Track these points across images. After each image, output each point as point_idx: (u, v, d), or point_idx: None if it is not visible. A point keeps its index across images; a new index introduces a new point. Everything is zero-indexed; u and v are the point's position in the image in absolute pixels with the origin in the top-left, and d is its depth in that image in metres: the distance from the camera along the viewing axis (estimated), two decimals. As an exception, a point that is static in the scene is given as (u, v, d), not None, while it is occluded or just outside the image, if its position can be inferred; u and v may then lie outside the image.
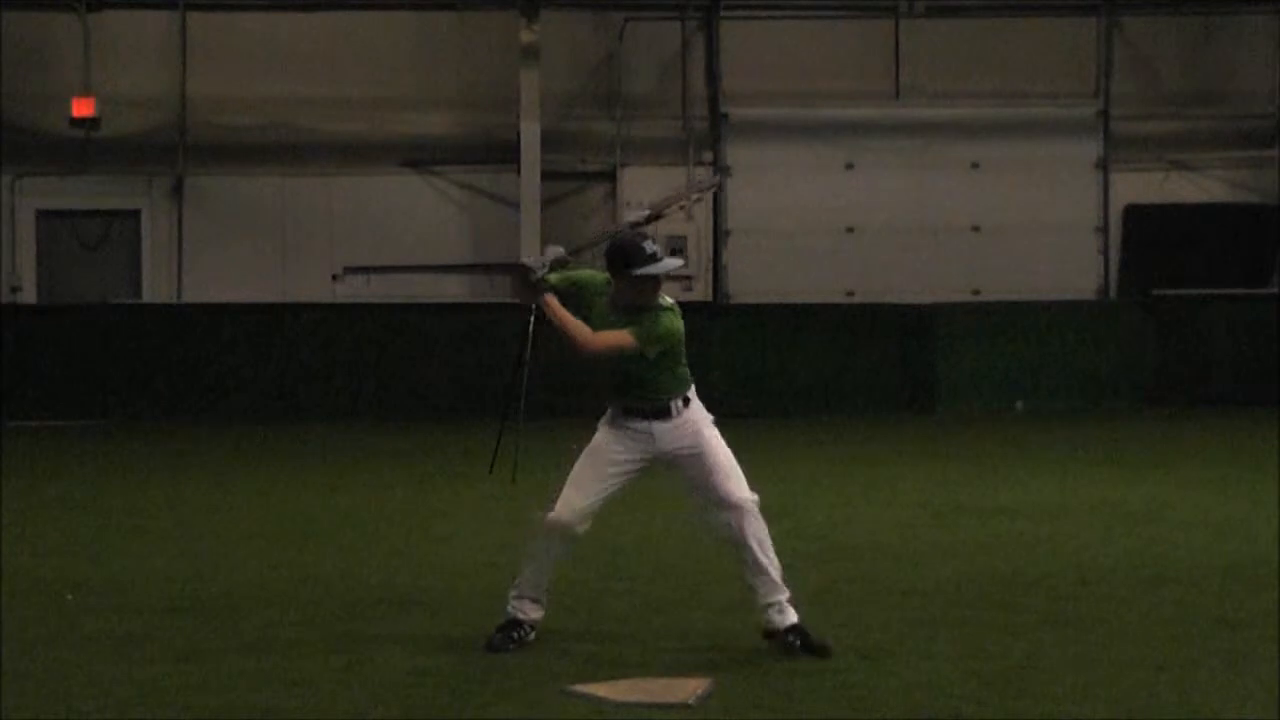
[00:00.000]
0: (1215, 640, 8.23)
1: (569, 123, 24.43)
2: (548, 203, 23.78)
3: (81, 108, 23.68)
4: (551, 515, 8.14)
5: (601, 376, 8.27)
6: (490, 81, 24.11)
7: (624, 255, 8.07)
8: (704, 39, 24.58)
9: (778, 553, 8.09)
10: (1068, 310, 23.24)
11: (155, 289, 24.03)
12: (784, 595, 7.97)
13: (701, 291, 23.67)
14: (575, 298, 8.29)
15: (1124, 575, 10.09)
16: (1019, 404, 22.43)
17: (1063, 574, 10.12)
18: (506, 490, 14.36)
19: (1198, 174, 24.98)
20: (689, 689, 7.24)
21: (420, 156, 24.37)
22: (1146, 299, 23.30)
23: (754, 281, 23.60)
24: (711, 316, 22.11)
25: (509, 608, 8.15)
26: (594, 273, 8.33)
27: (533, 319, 16.54)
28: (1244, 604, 9.12)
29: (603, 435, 8.40)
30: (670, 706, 7.04)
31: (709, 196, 24.07)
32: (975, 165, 24.56)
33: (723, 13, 24.45)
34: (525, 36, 23.33)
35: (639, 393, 8.16)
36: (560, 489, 8.27)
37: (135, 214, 24.21)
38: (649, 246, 8.08)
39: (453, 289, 24.26)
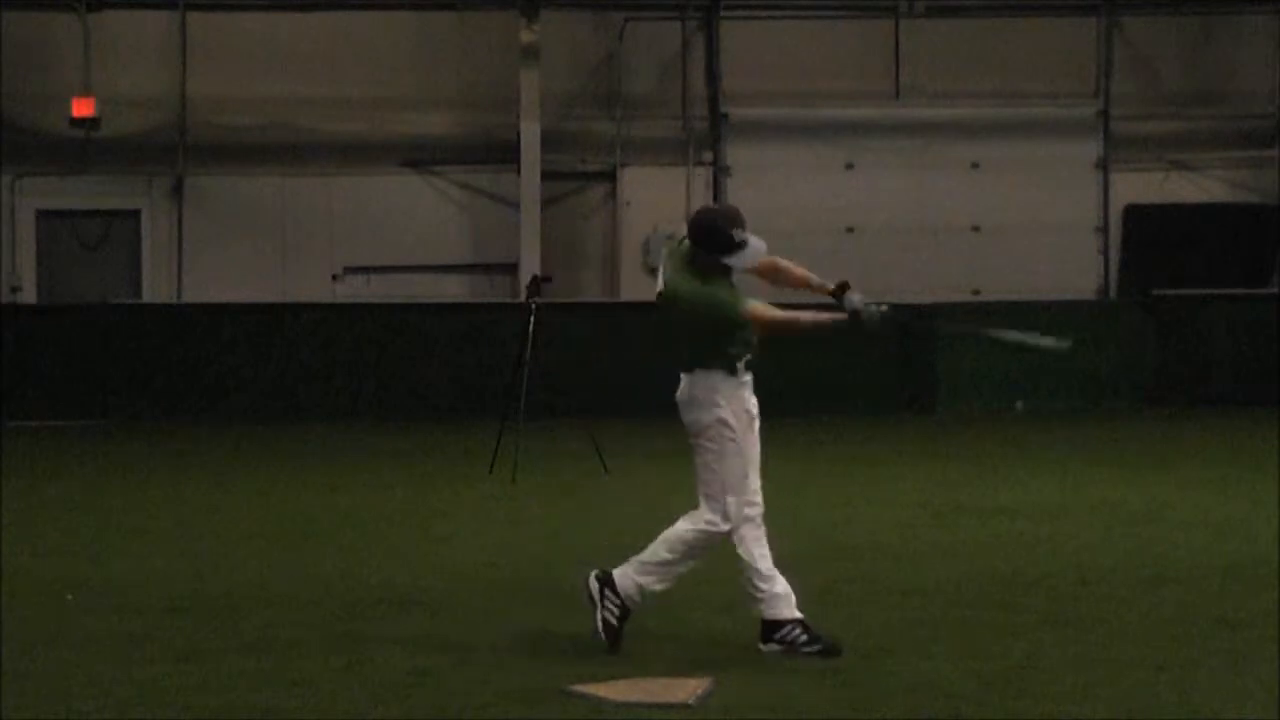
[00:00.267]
0: (1215, 640, 8.23)
1: (569, 123, 24.43)
2: (548, 203, 23.79)
3: (81, 108, 23.68)
4: (729, 527, 7.97)
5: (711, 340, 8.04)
6: (490, 81, 24.11)
7: (712, 239, 7.93)
8: (704, 39, 24.59)
9: (775, 553, 8.10)
10: (1068, 310, 23.22)
11: (155, 289, 24.03)
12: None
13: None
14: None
15: (1124, 575, 10.10)
16: (1019, 404, 22.43)
17: (1063, 574, 10.12)
18: (506, 490, 14.43)
19: (1198, 174, 24.98)
20: (689, 689, 7.24)
21: (420, 156, 24.37)
22: (1146, 299, 23.30)
23: (754, 281, 23.61)
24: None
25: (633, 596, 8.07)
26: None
27: (532, 319, 16.60)
28: (1244, 604, 9.12)
29: (735, 413, 7.99)
30: (670, 706, 7.04)
31: (708, 196, 24.10)
32: (975, 165, 24.56)
33: (723, 13, 24.45)
34: (525, 36, 23.33)
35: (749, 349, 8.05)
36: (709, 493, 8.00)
37: (135, 214, 24.21)
38: (739, 234, 7.95)
39: (453, 289, 24.28)
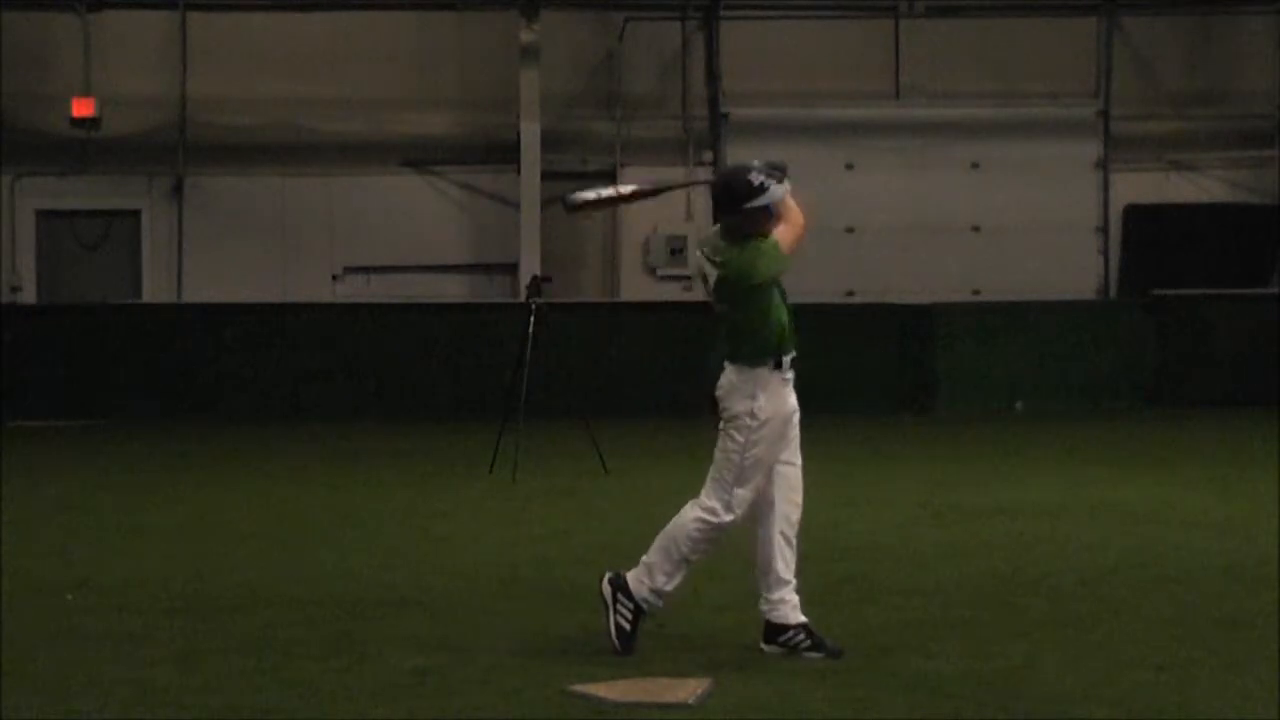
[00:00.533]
0: (1215, 640, 8.23)
1: (569, 123, 24.44)
2: (548, 203, 23.76)
3: (81, 108, 23.69)
4: (730, 519, 7.93)
5: (746, 332, 7.98)
6: (490, 81, 24.12)
7: (729, 195, 7.91)
8: (704, 39, 24.59)
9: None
10: (1068, 310, 23.24)
11: (155, 289, 24.04)
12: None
13: (701, 292, 23.64)
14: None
15: (1124, 575, 10.09)
16: (1019, 404, 22.43)
17: (1063, 574, 10.12)
18: (506, 490, 14.43)
19: (1198, 174, 24.99)
20: (689, 689, 7.24)
21: (420, 156, 24.38)
22: (1146, 299, 23.30)
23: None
24: (712, 317, 22.10)
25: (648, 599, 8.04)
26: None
27: (532, 319, 16.59)
28: (1244, 604, 9.12)
29: (772, 409, 7.93)
30: (670, 706, 7.04)
31: (709, 196, 24.06)
32: (975, 165, 24.56)
33: (723, 13, 24.45)
34: (525, 36, 23.33)
35: (792, 340, 8.01)
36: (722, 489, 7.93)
37: (135, 214, 24.22)
38: (755, 178, 7.91)
39: (453, 289, 24.28)
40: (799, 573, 8.08)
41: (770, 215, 7.93)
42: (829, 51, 24.62)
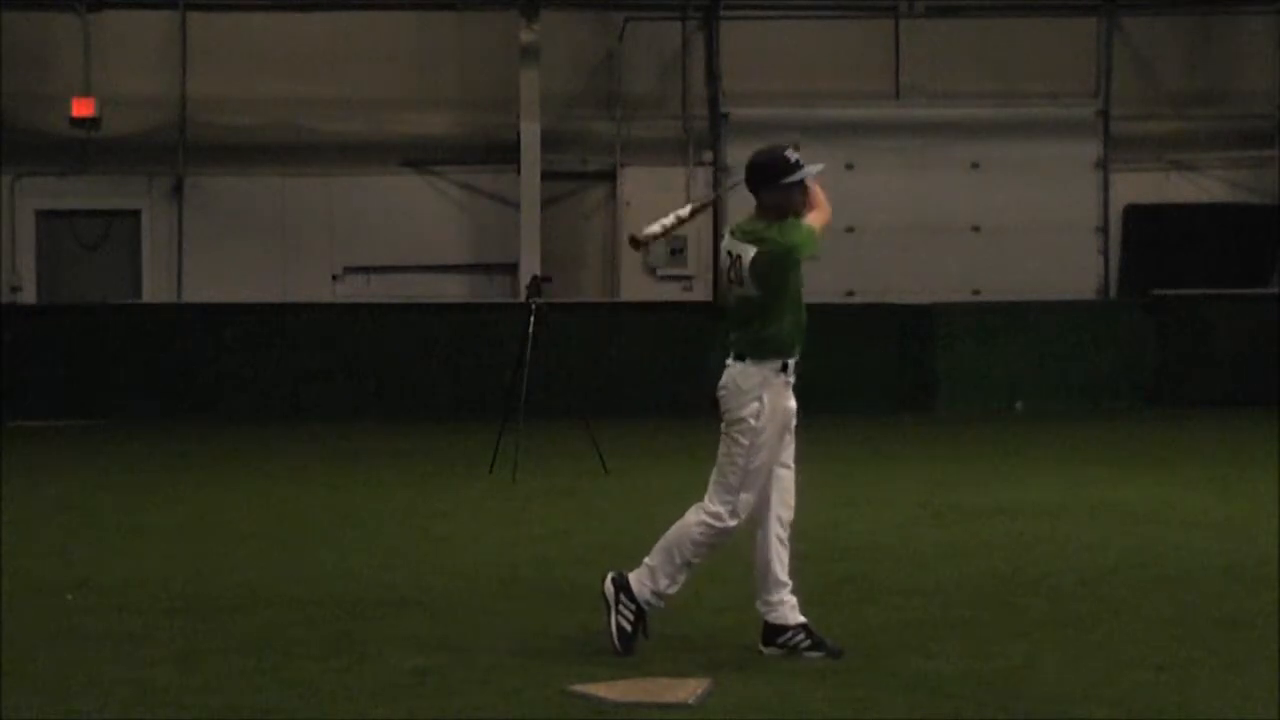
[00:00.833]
0: (1215, 640, 8.23)
1: (569, 123, 24.44)
2: (548, 203, 23.79)
3: (81, 108, 23.70)
4: (734, 524, 7.91)
5: (755, 329, 7.90)
6: (490, 81, 24.12)
7: (768, 169, 7.92)
8: (704, 39, 24.59)
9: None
10: (1068, 310, 23.25)
11: (155, 289, 24.04)
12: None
13: (701, 292, 23.68)
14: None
15: (1124, 575, 10.09)
16: (1019, 404, 22.43)
17: (1063, 574, 10.12)
18: (506, 490, 14.43)
19: (1198, 174, 24.99)
20: (689, 689, 7.24)
21: (420, 156, 24.39)
22: (1146, 299, 23.31)
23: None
24: (712, 317, 22.12)
25: (646, 602, 8.02)
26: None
27: (532, 319, 16.60)
28: (1244, 604, 9.12)
29: (774, 410, 7.91)
30: (670, 706, 7.04)
31: (709, 195, 24.08)
32: (975, 165, 24.56)
33: (723, 13, 24.46)
34: (525, 36, 23.33)
35: (802, 342, 8.02)
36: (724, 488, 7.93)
37: (135, 214, 24.22)
38: (791, 155, 7.95)
39: (453, 289, 24.29)
40: (795, 573, 8.08)
41: (805, 192, 7.98)
42: (829, 51, 24.62)
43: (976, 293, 23.87)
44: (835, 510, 12.83)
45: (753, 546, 8.04)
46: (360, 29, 24.34)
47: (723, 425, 8.00)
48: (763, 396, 7.89)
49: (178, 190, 24.09)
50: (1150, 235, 24.68)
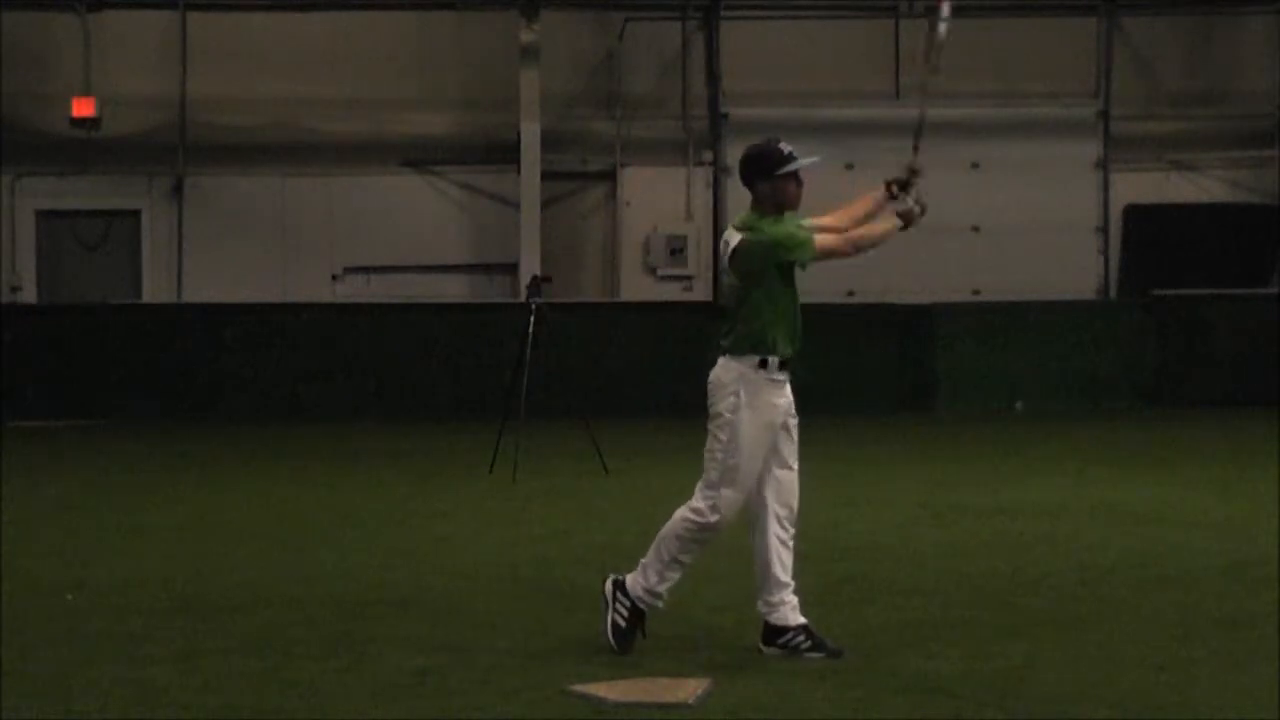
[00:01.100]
0: (1215, 640, 8.23)
1: (569, 123, 24.44)
2: (548, 203, 23.79)
3: (81, 108, 23.70)
4: (716, 519, 7.92)
5: (749, 325, 7.94)
6: (490, 81, 24.12)
7: (761, 161, 8.01)
8: (704, 39, 24.59)
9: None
10: (1068, 310, 23.25)
11: (155, 289, 24.04)
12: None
13: (701, 292, 23.68)
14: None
15: (1124, 575, 10.10)
16: (1019, 404, 22.43)
17: (1063, 574, 10.12)
18: (506, 490, 14.43)
19: (1198, 174, 24.99)
20: (689, 689, 7.24)
21: (420, 156, 24.39)
22: (1146, 299, 23.31)
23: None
24: (712, 317, 22.12)
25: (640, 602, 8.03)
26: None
27: (532, 319, 16.59)
28: (1244, 604, 9.12)
29: (754, 408, 7.90)
30: (670, 706, 7.04)
31: (709, 196, 24.09)
32: (975, 165, 24.55)
33: (723, 13, 24.45)
34: (525, 36, 23.33)
35: (795, 341, 8.02)
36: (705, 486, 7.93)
37: (135, 214, 24.23)
38: (785, 147, 8.03)
39: (453, 289, 24.29)
40: (795, 573, 8.08)
41: (799, 184, 8.05)
42: (829, 51, 24.61)
43: (976, 293, 23.86)
44: (835, 510, 12.84)
45: (753, 547, 8.04)
46: (360, 29, 24.34)
47: (709, 422, 8.02)
48: (739, 392, 7.90)
49: (178, 190, 24.09)
50: (1150, 235, 24.68)
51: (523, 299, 17.64)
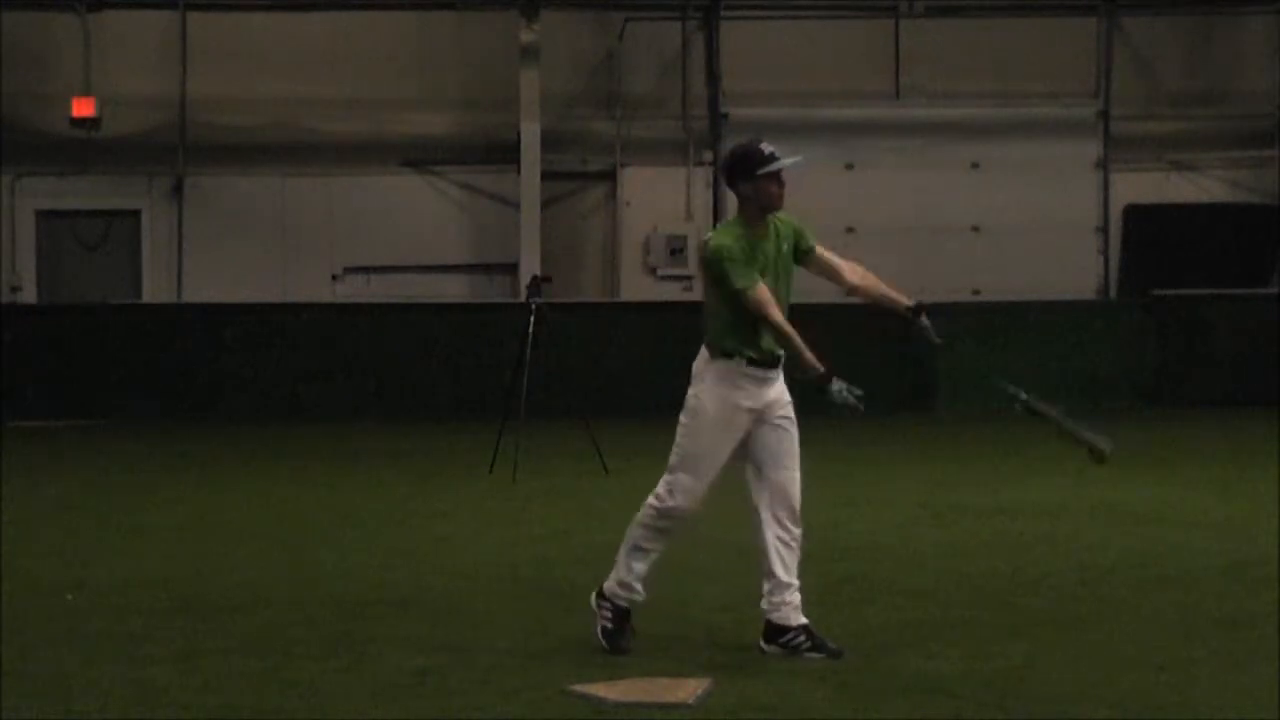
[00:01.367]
0: (1215, 640, 8.23)
1: (569, 123, 24.44)
2: (548, 203, 23.79)
3: (81, 108, 23.70)
4: (673, 504, 7.95)
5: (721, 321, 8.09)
6: (490, 81, 24.12)
7: (747, 161, 7.99)
8: (704, 39, 24.59)
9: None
10: (1068, 310, 23.24)
11: (155, 289, 24.05)
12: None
13: (701, 292, 23.62)
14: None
15: (1124, 575, 10.10)
16: (1019, 404, 22.39)
17: (1063, 574, 10.12)
18: (506, 490, 14.43)
19: (1198, 174, 24.99)
20: (689, 689, 7.24)
21: (420, 156, 24.39)
22: (1146, 299, 23.30)
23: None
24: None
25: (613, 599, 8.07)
26: (740, 243, 8.03)
27: (532, 319, 16.58)
28: (1244, 604, 9.12)
29: (715, 397, 7.98)
30: (670, 706, 7.04)
31: (709, 196, 24.10)
32: (975, 165, 24.56)
33: (723, 13, 24.46)
34: (525, 36, 23.33)
35: (746, 345, 8.06)
36: (669, 474, 7.98)
37: (135, 214, 24.23)
38: (766, 148, 8.01)
39: (453, 289, 24.29)
40: (799, 573, 8.07)
41: (781, 185, 8.00)
42: (829, 51, 24.61)
43: (976, 293, 23.86)
44: (835, 510, 12.84)
45: (756, 548, 8.07)
46: (360, 29, 24.34)
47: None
48: (706, 379, 8.00)
49: (178, 190, 24.10)
50: (1150, 235, 24.68)
51: (523, 299, 17.64)
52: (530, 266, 21.85)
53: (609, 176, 24.56)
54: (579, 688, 7.27)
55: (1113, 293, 24.66)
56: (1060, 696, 7.20)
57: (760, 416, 8.01)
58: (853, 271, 8.41)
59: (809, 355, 7.95)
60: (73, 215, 24.08)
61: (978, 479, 15.15)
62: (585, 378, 19.35)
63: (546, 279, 17.06)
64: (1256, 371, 22.33)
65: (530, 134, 23.34)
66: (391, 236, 24.15)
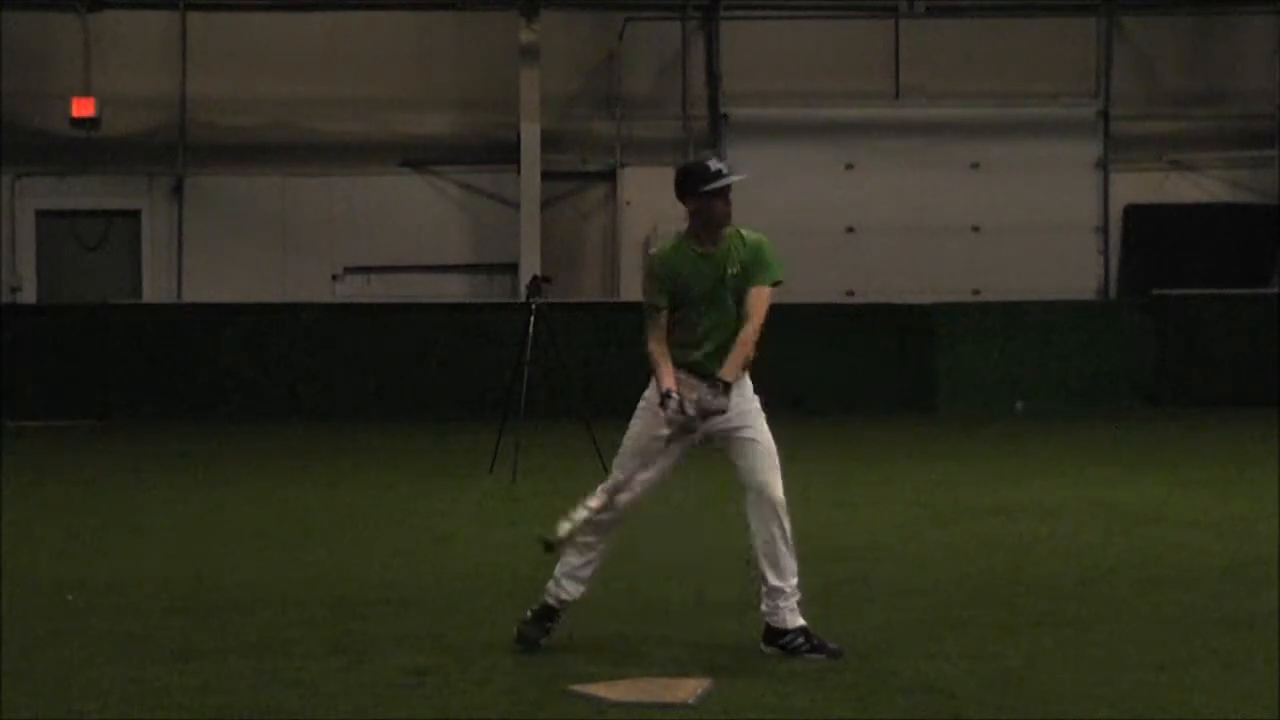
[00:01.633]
0: (1215, 640, 8.23)
1: (569, 123, 24.44)
2: (548, 203, 23.80)
3: (81, 108, 23.71)
4: (611, 480, 8.14)
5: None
6: (490, 81, 24.12)
7: (692, 178, 8.12)
8: (704, 39, 24.59)
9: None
10: (1068, 310, 23.24)
11: (155, 289, 24.05)
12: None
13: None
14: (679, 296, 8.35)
15: (1124, 575, 10.09)
16: (1019, 404, 22.43)
17: (1063, 574, 10.12)
18: (506, 490, 14.42)
19: (1198, 174, 24.99)
20: (689, 689, 7.24)
21: (420, 156, 24.39)
22: (1146, 299, 23.30)
23: None
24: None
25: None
26: (664, 265, 8.32)
27: (532, 319, 16.58)
28: (1244, 604, 9.12)
29: (647, 400, 8.43)
30: (670, 706, 7.04)
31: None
32: (975, 165, 24.56)
33: (723, 13, 24.46)
34: (525, 36, 23.34)
35: (689, 356, 8.33)
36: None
37: (135, 214, 24.23)
38: (714, 164, 8.17)
39: (453, 289, 24.29)
40: (798, 574, 8.07)
41: (727, 201, 8.12)
42: (829, 51, 24.61)
43: (976, 293, 23.86)
44: (835, 510, 12.83)
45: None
46: (360, 29, 24.35)
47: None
48: (651, 384, 8.43)
49: (178, 190, 24.10)
50: (1150, 235, 24.68)
51: (523, 299, 17.63)
52: (530, 266, 21.85)
53: (609, 176, 24.56)
54: (579, 688, 7.27)
55: (1113, 293, 24.65)
56: (1060, 696, 7.20)
57: (725, 435, 8.08)
58: (742, 330, 8.32)
59: (664, 380, 8.46)
60: (73, 215, 24.08)
61: (978, 479, 15.15)
62: (585, 378, 19.34)
63: (546, 279, 17.05)
64: (1256, 371, 22.33)
65: (530, 134, 23.35)
66: (391, 236, 24.15)
